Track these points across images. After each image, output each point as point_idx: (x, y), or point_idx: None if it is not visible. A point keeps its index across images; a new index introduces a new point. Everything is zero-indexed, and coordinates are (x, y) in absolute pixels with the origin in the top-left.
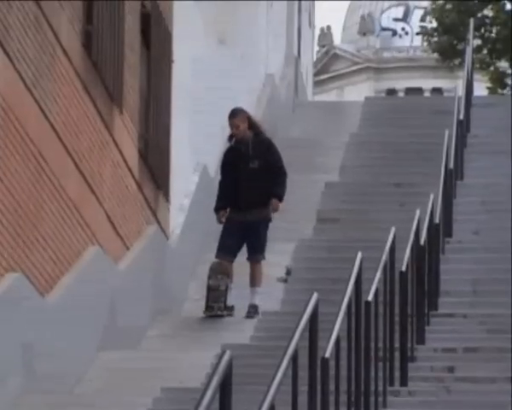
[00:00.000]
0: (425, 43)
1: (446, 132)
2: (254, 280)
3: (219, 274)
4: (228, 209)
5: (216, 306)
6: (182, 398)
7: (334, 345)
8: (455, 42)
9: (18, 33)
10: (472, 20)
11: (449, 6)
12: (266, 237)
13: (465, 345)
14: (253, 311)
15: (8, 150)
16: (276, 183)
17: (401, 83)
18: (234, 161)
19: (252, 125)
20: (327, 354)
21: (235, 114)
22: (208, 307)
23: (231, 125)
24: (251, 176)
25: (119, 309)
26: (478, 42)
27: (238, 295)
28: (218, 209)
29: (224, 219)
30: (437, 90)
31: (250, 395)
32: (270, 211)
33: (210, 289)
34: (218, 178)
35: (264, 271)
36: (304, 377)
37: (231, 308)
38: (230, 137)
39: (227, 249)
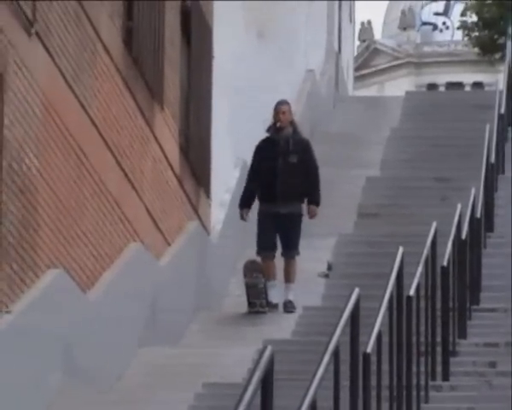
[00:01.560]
0: (465, 38)
1: (487, 126)
2: (289, 276)
3: (254, 273)
4: (258, 203)
5: (258, 302)
6: (223, 393)
7: (376, 340)
8: (495, 36)
9: (58, 29)
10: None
11: (489, 0)
12: (300, 233)
13: (507, 339)
14: (290, 306)
15: (49, 146)
16: (313, 188)
17: (442, 77)
18: (272, 152)
19: (292, 121)
20: (368, 350)
21: (283, 102)
22: (250, 304)
23: (278, 111)
24: (289, 170)
25: (160, 305)
26: None
27: (277, 291)
28: (242, 206)
29: (246, 217)
30: (478, 85)
31: (291, 390)
32: (302, 207)
33: (248, 286)
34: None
35: (306, 266)
36: (345, 373)
37: (275, 306)
38: (269, 128)
39: (267, 246)
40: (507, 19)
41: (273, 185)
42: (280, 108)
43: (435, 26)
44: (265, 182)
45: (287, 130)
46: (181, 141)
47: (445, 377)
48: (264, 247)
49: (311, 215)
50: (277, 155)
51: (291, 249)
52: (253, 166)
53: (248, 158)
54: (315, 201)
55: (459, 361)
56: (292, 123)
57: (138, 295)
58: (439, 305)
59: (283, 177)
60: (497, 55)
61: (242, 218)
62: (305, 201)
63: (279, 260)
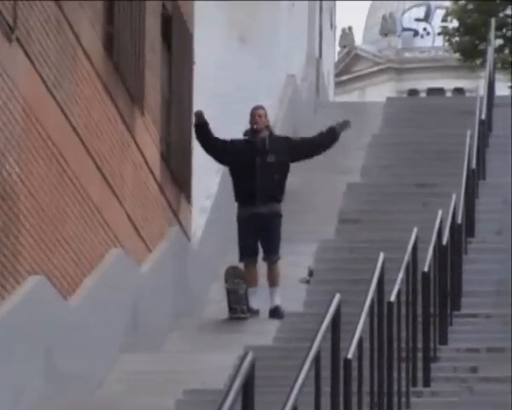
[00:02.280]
0: (446, 44)
1: (468, 132)
2: (273, 280)
3: (235, 279)
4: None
5: (238, 308)
6: (204, 400)
7: (357, 346)
8: (476, 42)
9: (39, 35)
10: (493, 20)
11: (470, 6)
12: (280, 236)
13: (488, 345)
14: (278, 312)
15: (30, 153)
16: (322, 133)
17: (423, 83)
18: (249, 152)
19: (268, 126)
20: (349, 355)
21: (259, 107)
22: (231, 309)
23: (254, 114)
24: (267, 170)
25: (141, 311)
26: (499, 42)
27: (258, 297)
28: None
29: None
30: (459, 91)
31: (273, 396)
32: (280, 207)
33: (229, 292)
34: None
35: (287, 272)
36: (326, 379)
37: (256, 312)
38: (246, 133)
39: (249, 252)
40: (488, 25)
41: (251, 186)
42: (256, 111)
43: (416, 32)
44: (243, 183)
45: (263, 132)
46: (162, 147)
47: (426, 383)
48: (246, 253)
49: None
50: (255, 156)
51: (272, 254)
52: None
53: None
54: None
55: (440, 367)
56: (268, 127)
57: (119, 301)
58: (420, 311)
59: (261, 176)
60: (478, 61)
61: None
62: None
63: (262, 266)
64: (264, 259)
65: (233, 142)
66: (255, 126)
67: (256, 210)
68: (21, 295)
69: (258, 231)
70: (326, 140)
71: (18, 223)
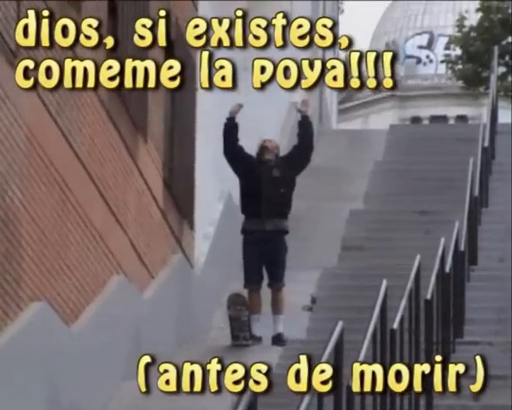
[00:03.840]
0: (449, 71)
1: (471, 160)
2: (277, 308)
3: (238, 305)
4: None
5: (241, 335)
6: None
7: (360, 373)
8: (479, 69)
9: None
10: (496, 48)
11: (473, 34)
12: (285, 262)
13: (491, 373)
14: (280, 339)
15: (33, 179)
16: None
17: (426, 111)
18: (257, 170)
19: (277, 154)
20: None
21: (268, 140)
22: (234, 337)
23: (262, 146)
24: (273, 184)
25: (143, 338)
26: (502, 69)
27: (261, 324)
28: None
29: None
30: (461, 118)
31: None
32: (287, 224)
33: (231, 319)
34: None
35: (290, 299)
36: (329, 406)
37: (259, 339)
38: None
39: (254, 279)
40: (491, 52)
41: (258, 200)
42: (266, 140)
43: (419, 60)
44: (250, 197)
45: (273, 158)
46: (165, 174)
47: None
48: (251, 280)
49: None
50: (261, 171)
51: (277, 280)
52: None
53: (233, 191)
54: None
55: (443, 395)
56: (276, 155)
57: (122, 328)
58: (422, 338)
59: (268, 191)
60: (481, 89)
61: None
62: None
63: (265, 292)
64: (269, 285)
65: (246, 155)
66: (263, 158)
67: (262, 226)
68: (23, 322)
69: (264, 254)
70: (302, 132)
71: (20, 249)
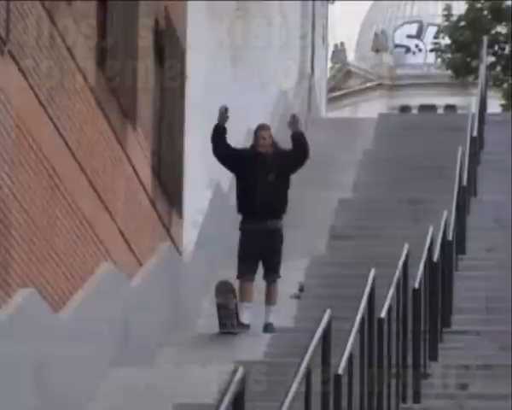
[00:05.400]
0: (438, 60)
1: (460, 149)
2: (270, 299)
3: (226, 293)
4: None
5: (229, 323)
6: None
7: (347, 362)
8: (468, 59)
9: (32, 49)
10: (485, 38)
11: (462, 23)
12: (281, 255)
13: (478, 362)
14: (270, 329)
15: (22, 166)
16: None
17: (415, 100)
18: (251, 170)
19: (273, 142)
20: (340, 371)
21: (264, 127)
22: (221, 325)
23: (259, 135)
24: (268, 188)
25: (132, 325)
26: (491, 59)
27: (251, 312)
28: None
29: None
30: (450, 107)
31: None
32: (282, 224)
33: (219, 307)
34: (232, 194)
35: (278, 287)
36: (317, 394)
37: (247, 326)
38: (252, 147)
39: (248, 271)
40: (480, 42)
41: (252, 203)
42: (260, 134)
43: (408, 49)
44: (245, 199)
45: (269, 150)
46: (153, 161)
47: (417, 400)
48: (245, 272)
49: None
50: (256, 173)
51: (273, 273)
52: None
53: (221, 180)
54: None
55: (430, 383)
56: (272, 144)
57: (110, 315)
58: (410, 327)
59: (262, 194)
60: (470, 78)
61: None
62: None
63: (259, 282)
64: (265, 277)
65: (239, 153)
66: (259, 149)
67: (257, 227)
68: (12, 309)
69: (260, 249)
70: (298, 149)
71: (9, 236)
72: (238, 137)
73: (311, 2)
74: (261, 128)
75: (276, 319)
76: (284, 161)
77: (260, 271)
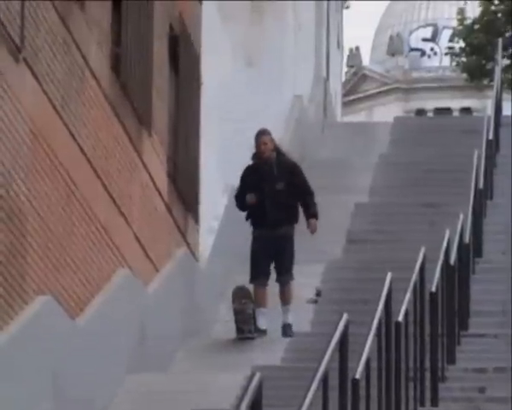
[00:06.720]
0: (453, 63)
1: (476, 152)
2: (286, 299)
3: (243, 299)
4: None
5: (246, 328)
6: None
7: (365, 366)
8: (483, 62)
9: (46, 56)
10: (500, 40)
11: (477, 26)
12: (293, 257)
13: (496, 365)
14: (289, 330)
15: (38, 173)
16: (309, 204)
17: (430, 103)
18: (258, 180)
19: (275, 147)
20: (357, 375)
21: (264, 133)
22: (238, 330)
23: (259, 142)
24: (276, 197)
25: (148, 331)
26: (506, 61)
27: (267, 318)
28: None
29: (254, 199)
30: (466, 110)
31: None
32: (293, 229)
33: (236, 312)
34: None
35: (295, 292)
36: (334, 399)
37: (263, 332)
38: (254, 156)
39: (261, 275)
40: (494, 44)
41: (262, 213)
42: (261, 139)
43: (423, 52)
44: (254, 210)
45: (271, 156)
46: (169, 167)
47: (434, 403)
48: (257, 276)
49: (312, 230)
50: (263, 184)
51: (285, 275)
52: (240, 190)
53: (236, 184)
54: (314, 214)
55: (448, 387)
56: (275, 149)
57: (126, 321)
58: (427, 331)
59: (272, 204)
60: (485, 81)
61: (251, 201)
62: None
63: (273, 286)
64: (278, 280)
65: (248, 182)
66: (260, 156)
67: (268, 234)
68: (29, 316)
69: (272, 253)
70: (309, 203)
71: (25, 243)
72: (252, 141)
73: (325, 7)
74: (261, 133)
75: (294, 320)
76: (293, 181)
77: (273, 276)
